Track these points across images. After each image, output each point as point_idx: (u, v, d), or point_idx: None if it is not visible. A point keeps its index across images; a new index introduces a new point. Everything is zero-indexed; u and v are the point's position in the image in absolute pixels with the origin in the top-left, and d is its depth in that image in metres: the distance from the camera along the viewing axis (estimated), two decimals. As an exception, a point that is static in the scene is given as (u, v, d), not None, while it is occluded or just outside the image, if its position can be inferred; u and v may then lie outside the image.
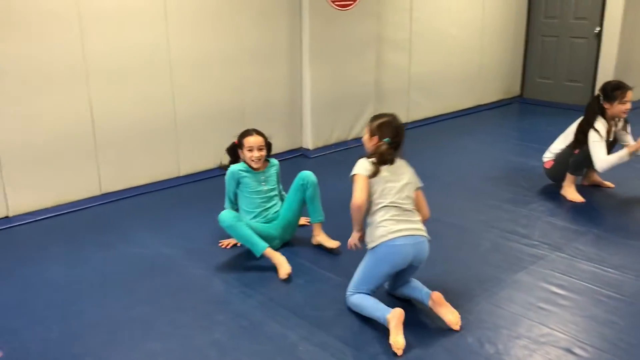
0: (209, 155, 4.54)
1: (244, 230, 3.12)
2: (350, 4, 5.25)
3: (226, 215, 3.13)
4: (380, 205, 2.61)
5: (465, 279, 3.00)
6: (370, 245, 2.63)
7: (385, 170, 2.65)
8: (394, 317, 2.43)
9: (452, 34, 6.49)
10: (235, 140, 3.44)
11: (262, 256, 3.12)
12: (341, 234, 3.25)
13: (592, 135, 3.92)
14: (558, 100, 7.35)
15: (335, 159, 5.24)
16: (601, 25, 6.79)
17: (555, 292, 2.88)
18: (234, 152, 3.46)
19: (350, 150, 5.45)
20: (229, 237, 3.39)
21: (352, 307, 2.67)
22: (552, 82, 7.44)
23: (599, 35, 6.83)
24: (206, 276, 3.10)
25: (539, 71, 7.53)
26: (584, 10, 6.94)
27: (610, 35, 6.70)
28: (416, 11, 6.01)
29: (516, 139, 5.93)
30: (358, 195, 2.59)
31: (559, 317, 2.67)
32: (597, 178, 4.39)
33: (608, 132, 3.99)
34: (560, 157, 4.17)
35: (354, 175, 2.65)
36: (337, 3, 5.14)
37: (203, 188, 4.52)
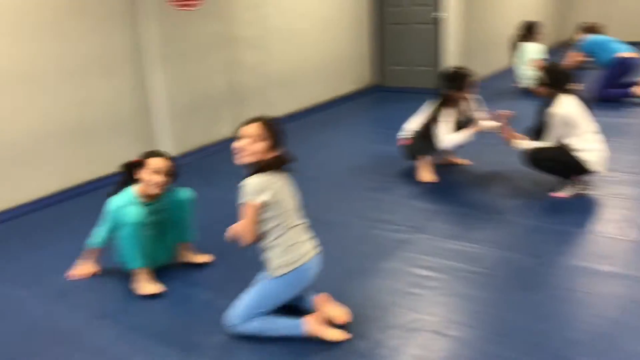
0: (50, 179, 4.14)
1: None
2: (196, 4, 5.04)
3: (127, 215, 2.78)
4: (284, 227, 2.39)
5: (335, 274, 2.95)
6: (277, 273, 2.39)
7: (279, 181, 2.42)
8: (312, 320, 2.39)
9: (304, 28, 6.48)
10: (137, 158, 2.95)
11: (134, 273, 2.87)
12: (212, 247, 3.07)
13: (440, 116, 4.08)
14: (412, 85, 7.65)
15: (199, 165, 5.02)
16: (440, 10, 7.14)
17: (422, 275, 2.91)
18: (130, 171, 2.94)
19: (214, 155, 5.25)
20: (77, 265, 3.08)
21: (254, 333, 2.41)
22: (405, 69, 7.72)
23: (439, 20, 7.18)
24: (54, 312, 2.78)
25: (392, 59, 7.78)
26: (423, -5, 7.26)
27: (450, 18, 7.06)
28: (266, 7, 5.91)
29: (376, 127, 6.07)
30: (249, 231, 2.35)
31: (427, 300, 2.70)
32: (452, 157, 4.57)
33: (458, 113, 4.18)
34: (414, 137, 4.29)
35: (245, 202, 2.34)
36: (178, 3, 4.90)
37: (42, 217, 4.10)
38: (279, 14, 6.10)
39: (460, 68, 4.24)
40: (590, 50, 6.53)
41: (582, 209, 3.60)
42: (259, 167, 2.39)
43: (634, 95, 6.14)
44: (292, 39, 6.32)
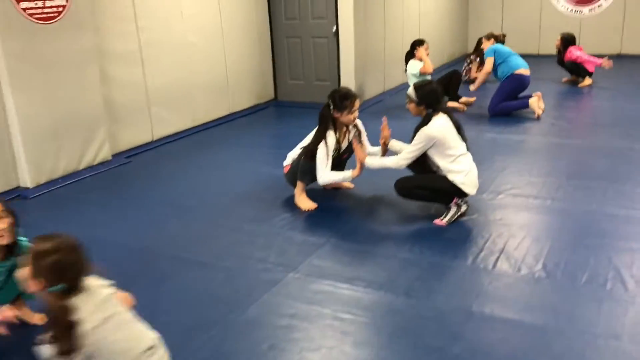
0: None
1: None
2: (55, 16, 4.54)
3: None
4: None
5: (190, 327, 2.59)
6: None
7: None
8: None
9: (191, 41, 6.08)
10: None
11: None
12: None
13: (320, 149, 3.82)
14: (311, 100, 7.39)
15: (63, 195, 4.50)
16: (337, 24, 6.94)
17: (285, 326, 2.60)
18: None
19: (82, 181, 4.75)
20: None
21: None
22: (303, 83, 7.46)
23: (337, 34, 6.98)
24: None
25: (289, 73, 7.51)
26: (320, 10, 7.03)
27: (346, 33, 6.88)
28: (142, 20, 5.47)
29: (268, 147, 5.75)
30: None
31: (288, 357, 2.39)
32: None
33: (339, 142, 3.94)
34: (293, 163, 4.00)
35: None
36: (35, 16, 4.39)
37: None
38: (159, 27, 5.67)
39: (343, 89, 3.98)
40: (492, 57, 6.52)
41: (462, 239, 3.42)
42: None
43: (530, 108, 6.17)
44: (175, 53, 5.90)
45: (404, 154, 3.64)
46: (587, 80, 7.70)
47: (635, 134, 5.33)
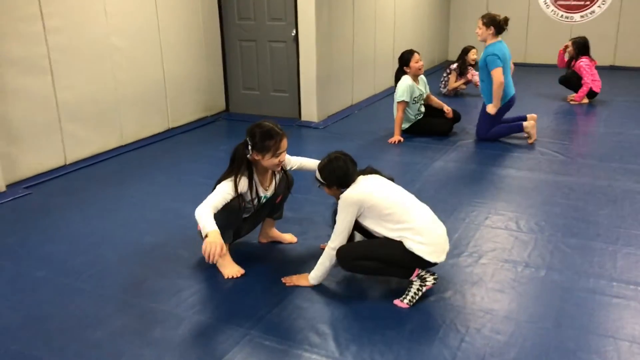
0: None
1: None
2: None
3: None
4: None
5: None
6: None
7: None
8: None
9: (117, 45, 5.08)
10: None
11: None
12: None
13: (224, 185, 2.90)
14: (267, 113, 6.44)
15: None
16: (297, 27, 5.99)
17: None
18: None
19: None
20: None
21: None
22: (258, 94, 6.50)
23: (296, 39, 6.03)
24: None
25: (242, 81, 6.54)
26: (278, 10, 6.07)
27: (306, 37, 5.93)
28: (52, 19, 4.47)
29: (204, 174, 4.67)
30: None
31: None
32: (275, 232, 3.38)
33: (257, 191, 3.01)
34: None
35: None
36: None
37: None
38: (74, 28, 4.67)
39: (267, 125, 2.94)
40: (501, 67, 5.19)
41: (427, 334, 2.50)
42: None
43: (524, 132, 5.28)
44: (96, 59, 4.90)
45: (332, 238, 2.77)
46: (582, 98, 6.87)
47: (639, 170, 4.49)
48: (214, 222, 2.65)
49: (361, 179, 2.79)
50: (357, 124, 6.19)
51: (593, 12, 9.03)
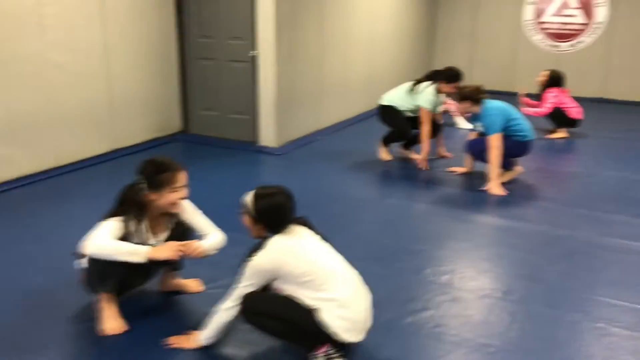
0: None
1: None
2: None
3: None
4: None
5: None
6: None
7: None
8: None
9: (56, 61, 4.75)
10: None
11: None
12: None
13: (110, 223, 2.53)
14: (226, 136, 6.12)
15: None
16: (256, 47, 5.66)
17: None
18: None
19: None
20: None
21: None
22: (217, 115, 6.16)
23: (255, 59, 5.70)
24: None
25: (202, 101, 6.20)
26: (238, 28, 5.75)
27: (266, 58, 5.60)
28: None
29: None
30: None
31: None
32: (176, 281, 3.00)
33: (145, 237, 2.63)
34: (90, 262, 2.66)
35: None
36: None
37: None
38: (2, 41, 4.35)
39: (159, 159, 2.63)
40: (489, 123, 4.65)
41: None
42: None
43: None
44: (29, 75, 4.57)
45: (229, 298, 2.40)
46: (561, 132, 6.50)
47: (607, 219, 4.08)
48: (122, 245, 2.42)
49: (282, 236, 2.37)
50: (319, 151, 5.83)
51: (582, 41, 8.68)
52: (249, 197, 2.43)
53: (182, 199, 2.61)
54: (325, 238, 2.50)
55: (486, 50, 9.33)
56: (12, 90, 4.46)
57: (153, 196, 2.55)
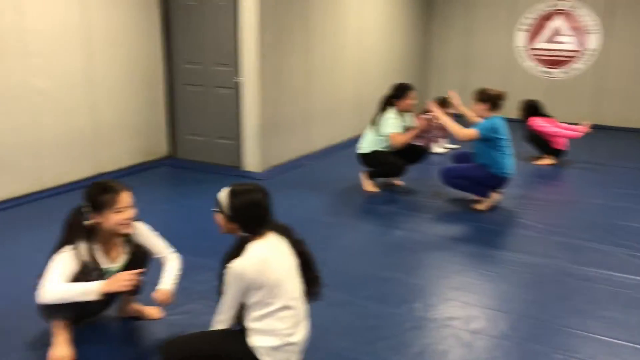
0: None
1: None
2: None
3: None
4: None
5: None
6: None
7: None
8: None
9: (38, 87, 4.82)
10: None
11: None
12: None
13: (61, 257, 2.52)
14: (212, 160, 6.15)
15: None
16: (240, 73, 5.71)
17: None
18: None
19: None
20: None
21: None
22: (203, 139, 6.20)
23: (240, 85, 5.76)
24: None
25: (188, 126, 6.25)
26: (223, 54, 5.82)
27: (250, 84, 5.65)
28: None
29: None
30: None
31: None
32: (134, 307, 2.99)
33: (97, 262, 2.62)
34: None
35: None
36: None
37: None
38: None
39: (102, 182, 2.65)
40: (485, 137, 4.63)
41: None
42: None
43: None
44: (12, 102, 4.63)
45: (218, 310, 2.33)
46: (547, 159, 6.48)
47: (582, 247, 4.04)
48: (74, 286, 2.43)
49: (262, 243, 2.28)
50: (303, 176, 5.84)
51: (575, 68, 8.70)
52: (223, 194, 2.33)
53: (128, 220, 2.60)
54: (303, 250, 2.43)
55: (479, 77, 9.32)
56: (-7, 115, 4.53)
57: (98, 219, 2.55)
